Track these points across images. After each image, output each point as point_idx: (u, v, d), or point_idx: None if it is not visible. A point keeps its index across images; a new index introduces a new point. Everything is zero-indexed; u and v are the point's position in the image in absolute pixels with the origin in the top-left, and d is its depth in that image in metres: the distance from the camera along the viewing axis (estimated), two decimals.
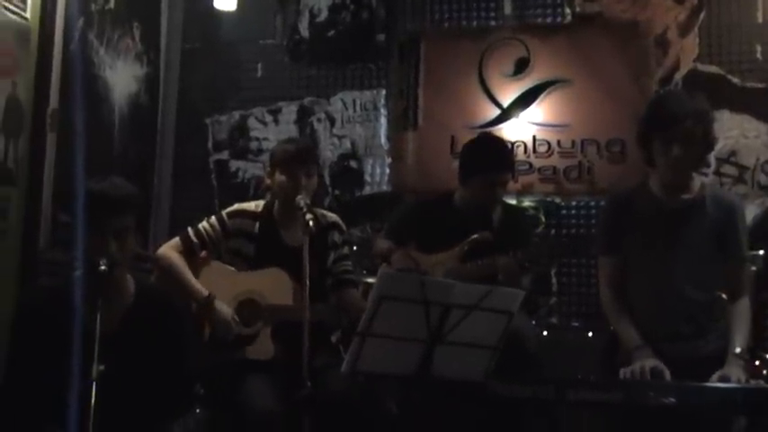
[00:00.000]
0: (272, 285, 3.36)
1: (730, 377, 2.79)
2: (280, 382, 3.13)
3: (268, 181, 3.60)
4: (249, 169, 5.63)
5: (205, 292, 3.35)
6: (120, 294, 2.66)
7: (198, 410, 3.34)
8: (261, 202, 3.61)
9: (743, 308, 3.01)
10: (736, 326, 2.97)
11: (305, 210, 3.18)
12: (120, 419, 2.44)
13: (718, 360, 2.90)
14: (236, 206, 3.60)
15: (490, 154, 3.88)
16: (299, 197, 3.29)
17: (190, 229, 3.54)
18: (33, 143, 4.18)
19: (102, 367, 2.22)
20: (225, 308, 3.34)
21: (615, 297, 3.11)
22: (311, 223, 3.10)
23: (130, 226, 2.63)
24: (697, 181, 3.12)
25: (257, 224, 3.52)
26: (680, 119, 2.94)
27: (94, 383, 2.20)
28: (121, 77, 5.08)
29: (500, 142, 4.23)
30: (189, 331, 2.93)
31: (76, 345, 2.29)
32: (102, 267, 2.42)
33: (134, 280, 2.74)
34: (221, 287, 3.38)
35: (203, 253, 3.51)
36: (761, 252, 4.44)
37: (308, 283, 2.94)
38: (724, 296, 3.09)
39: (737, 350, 2.89)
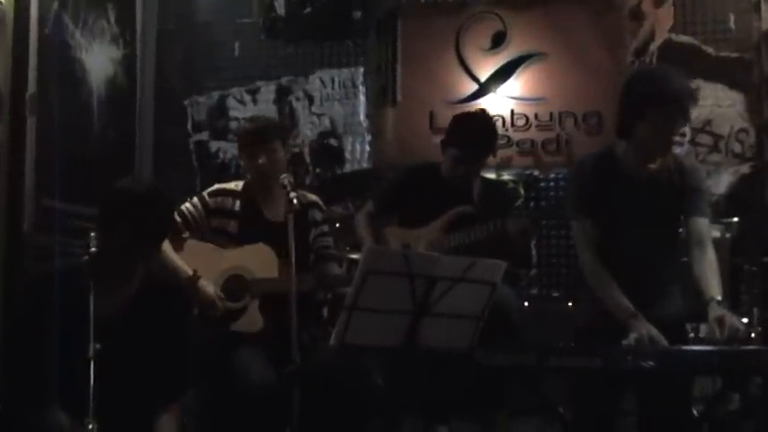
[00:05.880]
0: (257, 260, 3.40)
1: (728, 322, 2.73)
2: (269, 354, 3.19)
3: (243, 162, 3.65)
4: (229, 150, 5.62)
5: (189, 272, 3.38)
6: (128, 280, 2.72)
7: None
8: (241, 182, 3.64)
9: (712, 259, 3.01)
10: (711, 275, 2.96)
11: (289, 188, 3.22)
12: (121, 400, 2.49)
13: (681, 324, 2.98)
14: (216, 186, 3.63)
15: (476, 134, 3.87)
16: (284, 176, 3.33)
17: None
18: (13, 128, 4.19)
19: (98, 346, 2.26)
20: (209, 287, 3.37)
21: (599, 262, 3.06)
22: (295, 201, 3.15)
23: None
24: None
25: (238, 202, 3.55)
26: (681, 96, 2.98)
27: (92, 362, 2.25)
28: (98, 60, 5.06)
29: (487, 123, 4.11)
30: (190, 315, 2.99)
31: (81, 327, 2.34)
32: (93, 249, 2.46)
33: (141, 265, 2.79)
34: (206, 265, 3.41)
35: (186, 234, 3.55)
36: (735, 219, 4.54)
37: (293, 255, 2.99)
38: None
39: (719, 297, 2.87)
